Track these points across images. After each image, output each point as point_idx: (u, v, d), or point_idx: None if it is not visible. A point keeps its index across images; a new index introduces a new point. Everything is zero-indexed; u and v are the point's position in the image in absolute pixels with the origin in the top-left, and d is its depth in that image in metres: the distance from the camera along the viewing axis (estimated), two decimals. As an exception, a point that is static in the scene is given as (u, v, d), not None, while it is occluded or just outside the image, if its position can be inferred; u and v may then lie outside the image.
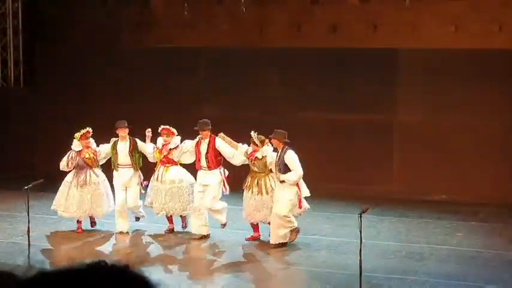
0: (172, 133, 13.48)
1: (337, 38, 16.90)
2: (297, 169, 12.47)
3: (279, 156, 12.59)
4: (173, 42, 18.08)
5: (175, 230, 13.76)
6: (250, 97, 17.48)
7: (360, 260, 9.92)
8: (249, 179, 13.00)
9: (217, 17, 17.77)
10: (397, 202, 15.62)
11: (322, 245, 12.99)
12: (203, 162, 13.18)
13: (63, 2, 19.15)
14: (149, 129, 13.61)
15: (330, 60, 17.05)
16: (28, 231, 11.64)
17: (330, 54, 16.99)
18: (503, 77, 15.91)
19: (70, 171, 13.70)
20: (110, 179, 13.78)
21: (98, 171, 13.70)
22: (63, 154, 13.73)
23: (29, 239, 11.69)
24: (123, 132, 13.63)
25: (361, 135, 16.82)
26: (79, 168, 13.58)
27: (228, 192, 13.18)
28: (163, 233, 13.71)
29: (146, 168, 13.82)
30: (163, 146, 13.49)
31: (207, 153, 13.13)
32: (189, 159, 13.44)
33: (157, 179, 13.53)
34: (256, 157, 12.86)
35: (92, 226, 13.90)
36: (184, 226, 13.76)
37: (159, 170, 13.53)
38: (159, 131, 13.49)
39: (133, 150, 13.64)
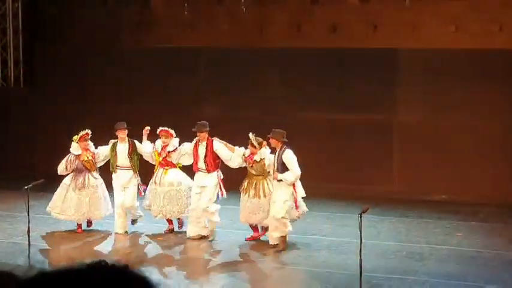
0: (171, 135, 13.45)
1: (337, 38, 16.90)
2: (294, 169, 12.47)
3: (277, 156, 12.59)
4: (173, 42, 18.08)
5: (174, 230, 13.75)
6: (250, 97, 17.48)
7: (360, 260, 9.92)
8: (246, 182, 12.99)
9: (218, 17, 17.78)
10: (397, 202, 15.62)
11: (322, 245, 12.98)
12: (201, 165, 13.17)
13: (63, 2, 19.16)
14: (148, 128, 13.59)
15: (330, 60, 17.05)
16: (28, 231, 11.63)
17: (330, 54, 17.00)
18: (503, 77, 15.91)
19: (68, 174, 13.69)
20: (107, 181, 13.77)
21: (96, 174, 13.69)
22: (63, 154, 13.72)
23: (29, 239, 11.69)
24: (122, 133, 13.62)
25: (361, 135, 16.82)
26: (77, 171, 13.57)
27: (225, 196, 13.16)
28: (163, 233, 13.70)
29: (146, 171, 13.81)
30: (162, 148, 13.47)
31: (205, 156, 13.12)
32: (188, 161, 13.43)
33: (155, 182, 13.52)
34: (255, 160, 12.85)
35: (88, 226, 13.89)
36: (180, 226, 13.75)
37: (158, 172, 13.52)
38: (157, 132, 13.47)
39: (133, 152, 13.63)
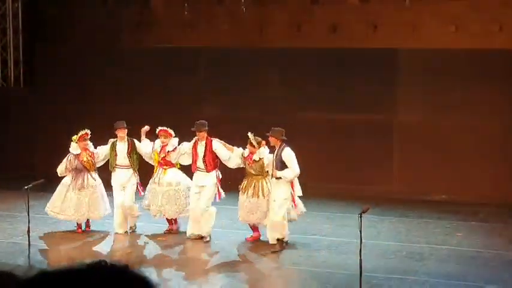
0: (170, 135, 13.45)
1: (337, 38, 16.91)
2: (293, 166, 12.48)
3: (276, 153, 12.60)
4: (173, 42, 18.09)
5: (178, 230, 13.75)
6: (250, 97, 17.48)
7: (360, 260, 9.92)
8: (245, 181, 12.99)
9: (218, 17, 17.78)
10: (397, 202, 15.62)
11: (322, 245, 12.98)
12: (200, 164, 13.17)
13: (63, 2, 19.16)
14: (147, 127, 13.59)
15: (330, 60, 17.05)
16: (28, 231, 11.63)
17: (330, 54, 17.00)
18: (503, 77, 15.91)
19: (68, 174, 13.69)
20: (107, 181, 13.75)
21: (95, 174, 13.68)
22: (63, 154, 13.71)
23: (29, 239, 11.69)
24: (122, 133, 13.62)
25: (361, 135, 16.82)
26: (77, 171, 13.56)
27: (223, 196, 13.15)
28: (163, 233, 13.69)
29: (145, 171, 13.81)
30: (161, 148, 13.48)
31: (204, 155, 13.12)
32: (187, 160, 13.43)
33: (155, 181, 13.53)
34: (254, 159, 12.86)
35: (85, 229, 13.85)
36: (176, 227, 13.73)
37: (158, 172, 13.53)
38: (156, 132, 13.48)
39: (132, 151, 13.64)
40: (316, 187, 15.47)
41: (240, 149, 13.07)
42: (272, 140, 12.72)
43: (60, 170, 13.64)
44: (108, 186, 13.75)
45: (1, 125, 19.11)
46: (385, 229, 13.93)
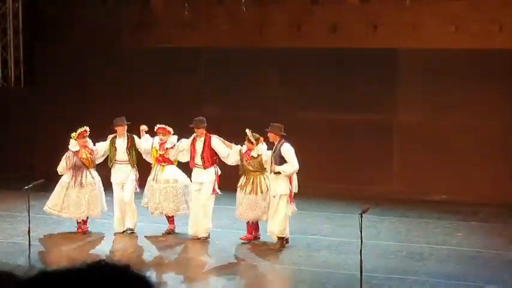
0: (169, 132, 13.48)
1: (337, 38, 16.90)
2: (292, 161, 12.48)
3: (275, 149, 12.60)
4: (173, 42, 18.08)
5: (175, 230, 13.74)
6: (250, 97, 17.48)
7: (360, 260, 9.93)
8: (243, 178, 12.99)
9: (218, 17, 17.78)
10: (397, 202, 15.61)
11: (322, 245, 12.98)
12: (198, 161, 13.19)
13: (63, 2, 19.16)
14: (144, 126, 13.60)
15: (330, 60, 17.05)
16: (29, 231, 11.64)
17: (330, 54, 17.00)
18: (503, 77, 15.91)
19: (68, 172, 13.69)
20: (105, 178, 13.75)
21: (94, 172, 13.69)
22: (63, 154, 13.69)
23: (29, 239, 11.69)
24: (121, 130, 13.64)
25: (361, 135, 16.82)
26: (76, 168, 13.57)
27: (218, 193, 13.14)
28: (163, 233, 13.68)
29: (143, 169, 13.82)
30: (159, 145, 13.49)
31: (202, 152, 13.15)
32: (186, 157, 13.45)
33: (153, 179, 13.55)
34: (252, 156, 12.86)
35: (84, 230, 13.80)
36: (171, 227, 13.74)
37: (155, 169, 13.55)
38: (155, 130, 13.50)
39: (131, 147, 13.65)
40: (316, 187, 15.48)
41: (238, 146, 13.09)
42: (271, 135, 12.73)
43: (61, 168, 13.63)
44: (107, 183, 13.74)
45: (1, 125, 19.11)
46: (385, 229, 13.93)
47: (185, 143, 13.37)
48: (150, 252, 13.00)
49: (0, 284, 2.16)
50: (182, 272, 12.10)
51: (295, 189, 12.70)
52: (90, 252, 12.80)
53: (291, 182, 12.60)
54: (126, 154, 13.62)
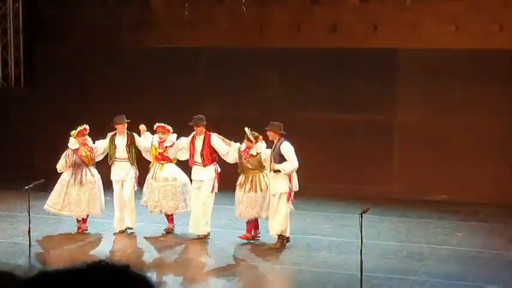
0: (168, 130, 13.49)
1: (337, 38, 16.90)
2: (292, 159, 12.47)
3: (275, 147, 12.60)
4: (173, 42, 18.09)
5: (174, 230, 13.74)
6: (250, 97, 17.48)
7: (361, 260, 9.93)
8: (242, 176, 12.99)
9: (218, 17, 17.78)
10: (397, 202, 15.61)
11: (322, 245, 12.98)
12: (198, 159, 13.20)
13: (63, 2, 19.16)
14: (143, 127, 13.61)
15: (330, 60, 17.05)
16: (29, 231, 11.63)
17: (330, 54, 17.00)
18: (503, 77, 15.91)
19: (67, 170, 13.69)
20: (105, 176, 13.75)
21: (94, 170, 13.70)
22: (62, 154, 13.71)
23: (29, 239, 11.69)
24: (121, 128, 13.65)
25: (361, 135, 16.82)
26: (76, 166, 13.58)
27: (216, 191, 13.15)
28: (163, 233, 13.68)
29: (142, 168, 13.82)
30: (159, 143, 13.51)
31: (202, 149, 13.16)
32: (185, 156, 13.47)
33: (152, 177, 13.56)
34: (251, 154, 12.86)
35: (83, 230, 13.81)
36: (170, 226, 13.74)
37: (154, 167, 13.56)
38: (154, 128, 13.51)
39: (131, 144, 13.66)
40: (316, 187, 15.49)
41: (238, 143, 13.10)
42: (270, 134, 12.73)
43: (60, 165, 13.63)
44: (107, 181, 13.74)
45: (1, 125, 19.10)
46: (385, 229, 13.93)
47: (184, 141, 13.39)
48: (150, 253, 12.99)
49: (0, 284, 2.16)
50: (182, 273, 12.09)
51: (295, 187, 12.69)
52: (90, 252, 12.79)
53: (290, 181, 12.59)
54: (126, 152, 13.64)
